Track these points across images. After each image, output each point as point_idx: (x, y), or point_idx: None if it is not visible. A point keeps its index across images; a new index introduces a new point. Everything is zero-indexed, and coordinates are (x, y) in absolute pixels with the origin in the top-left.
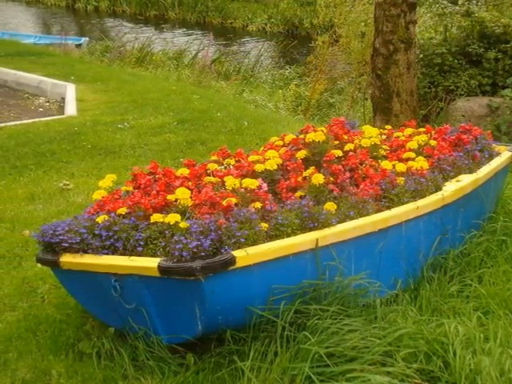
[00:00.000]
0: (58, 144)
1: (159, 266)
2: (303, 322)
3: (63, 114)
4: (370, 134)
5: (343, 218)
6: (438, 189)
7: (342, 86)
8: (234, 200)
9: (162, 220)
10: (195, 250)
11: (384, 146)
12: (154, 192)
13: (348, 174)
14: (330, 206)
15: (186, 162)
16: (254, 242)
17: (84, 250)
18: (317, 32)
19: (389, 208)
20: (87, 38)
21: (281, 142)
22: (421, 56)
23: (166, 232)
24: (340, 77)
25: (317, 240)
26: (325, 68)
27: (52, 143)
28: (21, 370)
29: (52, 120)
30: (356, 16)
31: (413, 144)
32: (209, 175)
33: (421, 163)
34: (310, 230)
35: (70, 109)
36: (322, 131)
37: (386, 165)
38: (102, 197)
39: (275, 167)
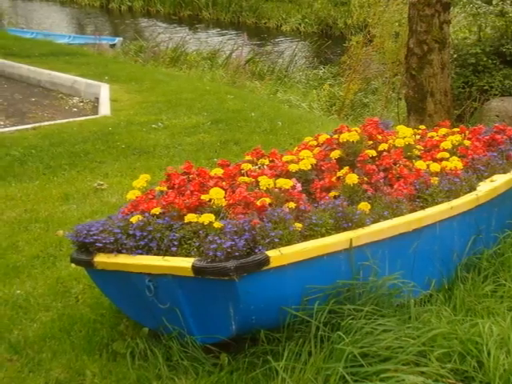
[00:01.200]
0: (92, 144)
1: (193, 266)
2: (337, 322)
3: (97, 114)
4: (404, 134)
5: (377, 218)
6: (472, 189)
7: (376, 86)
8: (268, 200)
9: (196, 220)
10: (229, 250)
11: (418, 146)
12: (188, 192)
13: (382, 174)
14: (364, 206)
15: (220, 161)
16: (288, 242)
17: (118, 250)
18: (351, 32)
19: (423, 208)
20: (121, 38)
21: (315, 142)
22: (455, 56)
23: (200, 232)
24: (374, 77)
25: (351, 240)
26: (359, 68)
27: (86, 143)
28: (55, 370)
29: (86, 120)
30: (390, 16)
31: (447, 144)
32: (243, 175)
33: (455, 163)
34: (344, 229)
35: (104, 109)
36: (356, 131)
37: (420, 165)
38: (136, 197)
39: (309, 167)
